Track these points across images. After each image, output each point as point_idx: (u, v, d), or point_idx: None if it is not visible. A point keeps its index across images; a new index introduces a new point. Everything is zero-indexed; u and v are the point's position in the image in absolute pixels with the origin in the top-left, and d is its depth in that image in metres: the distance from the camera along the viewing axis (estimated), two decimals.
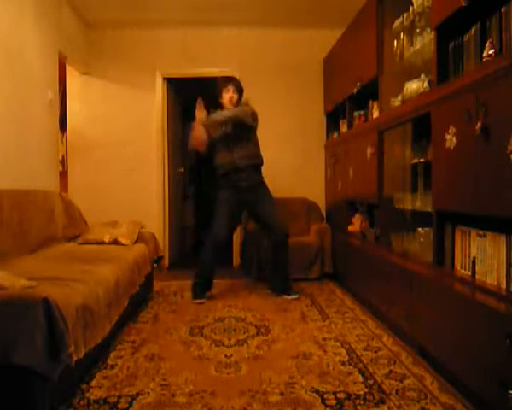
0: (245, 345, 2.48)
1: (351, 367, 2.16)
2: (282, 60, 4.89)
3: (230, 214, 3.55)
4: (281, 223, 3.59)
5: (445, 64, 2.20)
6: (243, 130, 3.46)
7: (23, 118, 3.30)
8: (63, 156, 4.97)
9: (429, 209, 2.35)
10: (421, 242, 2.54)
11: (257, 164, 3.56)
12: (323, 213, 4.81)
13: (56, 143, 4.01)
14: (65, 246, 3.17)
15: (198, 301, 3.42)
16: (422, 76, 2.54)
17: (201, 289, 3.49)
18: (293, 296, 3.52)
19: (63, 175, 4.68)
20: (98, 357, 2.25)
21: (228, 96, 3.52)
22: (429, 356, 2.20)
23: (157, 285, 3.88)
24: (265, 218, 3.58)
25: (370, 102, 3.39)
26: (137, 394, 1.90)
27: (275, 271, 3.65)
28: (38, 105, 3.57)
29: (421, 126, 2.47)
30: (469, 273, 1.99)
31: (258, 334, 2.67)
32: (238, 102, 3.57)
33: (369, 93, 3.38)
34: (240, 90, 3.60)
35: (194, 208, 7.11)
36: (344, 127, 4.14)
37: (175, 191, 5.44)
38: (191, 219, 6.89)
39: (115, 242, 3.29)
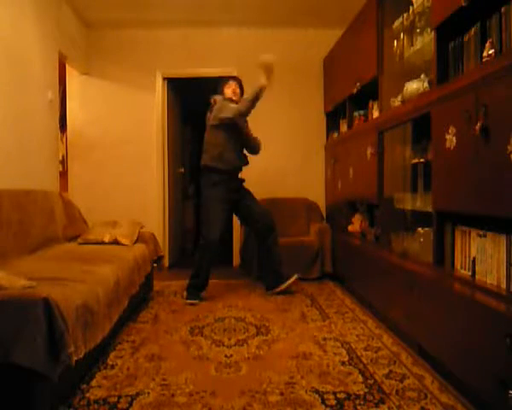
0: (245, 345, 2.48)
1: (351, 367, 2.16)
2: (281, 60, 4.85)
3: (226, 214, 3.53)
4: (269, 216, 3.64)
5: (445, 64, 2.20)
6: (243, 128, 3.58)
7: (23, 118, 3.30)
8: (63, 156, 4.98)
9: (429, 209, 2.34)
10: (421, 242, 2.54)
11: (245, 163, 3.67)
12: (323, 213, 4.81)
13: (56, 143, 4.01)
14: (65, 246, 3.17)
15: (192, 301, 3.38)
16: (422, 76, 2.54)
17: (196, 291, 3.46)
18: (291, 280, 3.57)
19: (63, 175, 4.68)
20: (98, 357, 2.25)
21: (231, 89, 3.56)
22: (429, 356, 2.20)
23: (157, 285, 3.88)
24: (254, 214, 3.61)
25: (370, 102, 3.39)
26: (137, 394, 1.90)
27: (269, 266, 3.65)
28: (38, 105, 3.57)
29: (421, 126, 2.47)
30: (469, 273, 1.99)
31: (258, 334, 2.67)
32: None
33: (369, 93, 3.38)
34: (241, 87, 3.64)
35: (194, 208, 7.10)
36: (344, 127, 4.14)
37: (175, 191, 5.44)
38: (191, 219, 6.88)
39: (115, 242, 3.29)
